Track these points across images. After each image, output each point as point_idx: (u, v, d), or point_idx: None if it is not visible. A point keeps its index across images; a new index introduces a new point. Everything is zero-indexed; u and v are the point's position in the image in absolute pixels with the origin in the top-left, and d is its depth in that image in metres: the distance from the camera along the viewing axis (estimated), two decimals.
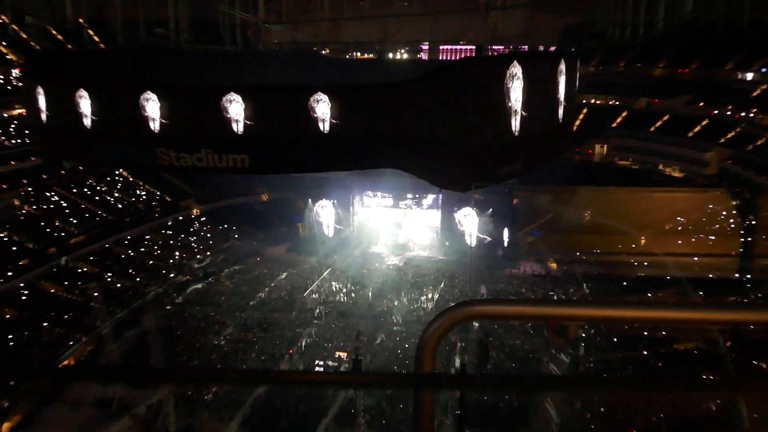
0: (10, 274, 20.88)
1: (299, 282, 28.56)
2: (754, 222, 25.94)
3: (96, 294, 22.64)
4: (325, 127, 17.55)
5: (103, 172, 33.79)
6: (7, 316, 18.86)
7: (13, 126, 28.94)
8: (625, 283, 25.84)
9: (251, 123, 17.45)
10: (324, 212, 36.09)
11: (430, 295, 26.74)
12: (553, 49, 48.27)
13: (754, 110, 34.63)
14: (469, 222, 32.30)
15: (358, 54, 54.04)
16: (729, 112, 35.89)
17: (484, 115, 17.99)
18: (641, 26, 46.89)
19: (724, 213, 27.51)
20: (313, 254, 33.35)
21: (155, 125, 18.00)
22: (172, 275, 28.35)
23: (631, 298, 23.18)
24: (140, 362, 18.35)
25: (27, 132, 27.98)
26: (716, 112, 36.48)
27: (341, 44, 54.45)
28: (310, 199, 37.01)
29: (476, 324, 20.84)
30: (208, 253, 32.04)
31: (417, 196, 35.76)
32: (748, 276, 22.63)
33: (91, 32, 41.84)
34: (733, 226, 26.63)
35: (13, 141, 28.03)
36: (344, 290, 27.60)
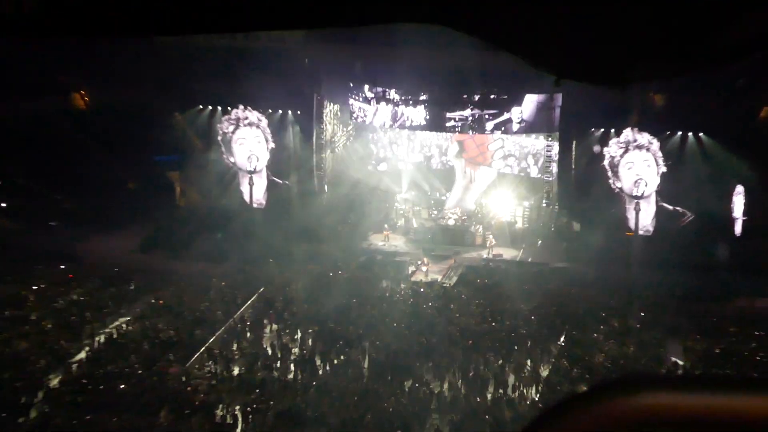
0: None
1: (175, 328, 28.89)
2: None
3: None
4: None
5: None
6: None
7: None
8: None
9: None
10: (242, 143, 37.43)
11: (528, 365, 26.77)
12: None
13: None
14: (639, 173, 33.39)
15: None
16: None
17: None
18: None
19: None
20: (212, 255, 34.42)
21: None
22: None
23: None
24: None
25: None
26: None
27: None
28: (203, 107, 38.08)
29: None
30: None
31: (490, 98, 36.64)
32: None
33: None
34: None
35: None
36: (297, 350, 28.03)
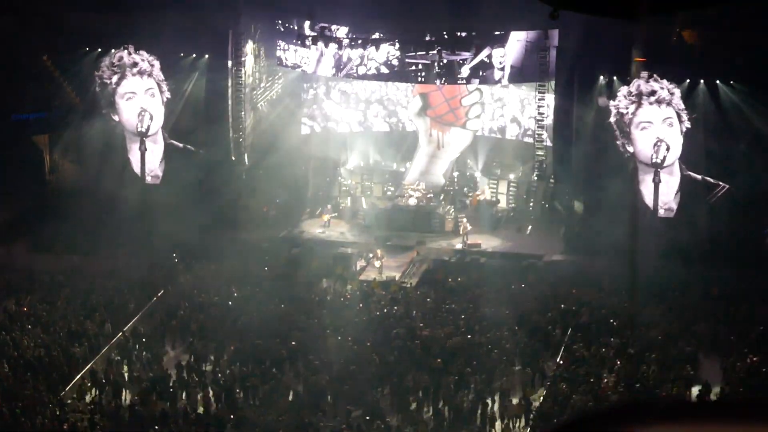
0: None
1: (46, 345, 28.31)
2: None
3: None
4: None
5: None
6: None
7: None
8: None
9: None
10: (129, 96, 37.17)
11: (515, 390, 26.72)
12: None
13: None
14: (658, 134, 33.32)
15: None
16: None
17: None
18: None
19: None
20: (93, 247, 34.29)
21: None
22: None
23: None
24: None
25: None
26: None
27: None
28: (78, 48, 37.66)
29: None
30: None
31: (463, 36, 36.59)
32: None
33: None
34: None
35: None
36: (209, 373, 27.71)
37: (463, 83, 37.34)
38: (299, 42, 37.39)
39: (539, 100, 36.58)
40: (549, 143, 36.91)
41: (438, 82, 37.31)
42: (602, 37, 32.36)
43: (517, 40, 35.61)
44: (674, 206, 34.05)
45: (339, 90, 40.04)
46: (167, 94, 37.03)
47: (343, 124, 40.26)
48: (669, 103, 33.08)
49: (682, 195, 33.90)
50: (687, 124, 33.13)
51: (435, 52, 36.11)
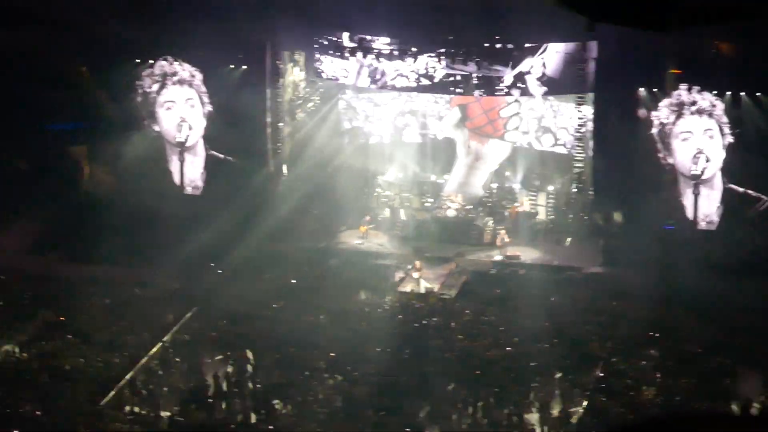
0: None
1: (85, 356, 28.48)
2: None
3: None
4: None
5: None
6: None
7: None
8: None
9: None
10: (169, 106, 37.43)
11: (554, 402, 26.50)
12: None
13: None
14: (698, 146, 33.24)
15: None
16: None
17: None
18: None
19: None
20: (131, 258, 34.45)
21: None
22: None
23: None
24: None
25: None
26: None
27: None
28: (117, 58, 37.51)
29: None
30: None
31: (502, 48, 36.14)
32: None
33: None
34: None
35: None
36: (248, 384, 27.79)
37: (502, 95, 37.10)
38: (338, 53, 37.16)
39: (578, 111, 36.54)
40: (588, 155, 36.75)
41: (476, 93, 37.13)
42: (642, 49, 31.98)
43: (556, 52, 35.33)
44: (715, 219, 33.83)
45: (374, 102, 40.02)
46: (209, 107, 37.09)
47: (378, 135, 40.30)
48: (710, 115, 32.89)
49: (723, 208, 33.70)
50: (729, 137, 32.90)
51: (474, 63, 35.93)
